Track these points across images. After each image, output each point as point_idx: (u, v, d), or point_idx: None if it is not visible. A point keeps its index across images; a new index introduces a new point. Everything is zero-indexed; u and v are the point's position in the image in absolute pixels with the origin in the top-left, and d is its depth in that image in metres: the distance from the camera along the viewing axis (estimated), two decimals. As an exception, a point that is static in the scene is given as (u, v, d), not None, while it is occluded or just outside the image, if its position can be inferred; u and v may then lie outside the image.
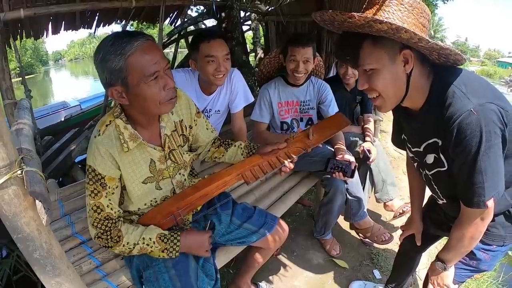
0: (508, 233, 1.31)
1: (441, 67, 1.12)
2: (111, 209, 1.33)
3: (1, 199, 0.77)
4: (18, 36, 3.70)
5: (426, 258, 2.45)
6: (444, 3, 14.04)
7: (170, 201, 1.47)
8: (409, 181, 1.69)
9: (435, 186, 1.37)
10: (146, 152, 1.37)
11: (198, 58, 1.97)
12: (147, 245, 1.33)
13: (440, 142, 1.16)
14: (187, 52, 6.26)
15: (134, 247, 1.33)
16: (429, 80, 1.14)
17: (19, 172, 0.77)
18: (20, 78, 4.42)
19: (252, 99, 2.35)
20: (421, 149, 1.29)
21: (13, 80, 3.03)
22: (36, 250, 0.87)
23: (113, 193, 1.33)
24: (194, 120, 1.57)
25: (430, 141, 1.21)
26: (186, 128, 1.54)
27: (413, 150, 1.37)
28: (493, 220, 1.24)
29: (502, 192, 1.11)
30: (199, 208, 1.61)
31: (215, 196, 1.55)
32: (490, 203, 1.09)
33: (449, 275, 1.39)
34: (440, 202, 1.43)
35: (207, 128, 1.67)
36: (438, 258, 1.39)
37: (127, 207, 1.44)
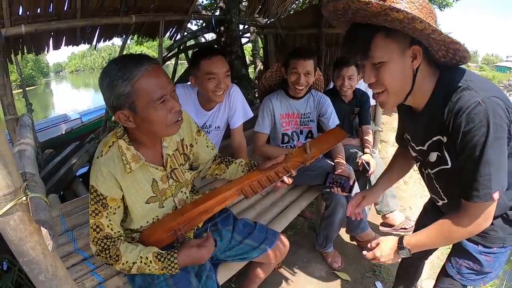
0: (508, 234, 1.31)
1: (445, 67, 1.14)
2: (111, 229, 1.35)
3: (7, 225, 0.78)
4: (19, 52, 3.73)
5: (429, 267, 2.45)
6: (441, 10, 14.18)
7: (171, 216, 1.48)
8: (391, 160, 1.72)
9: (436, 185, 1.37)
10: (148, 172, 1.39)
11: (198, 75, 1.99)
12: (145, 264, 1.33)
13: (445, 139, 1.16)
14: (188, 65, 6.30)
15: (132, 266, 1.34)
16: (434, 79, 1.15)
17: (24, 198, 0.79)
18: (21, 90, 4.47)
19: (251, 114, 2.37)
20: (425, 148, 1.29)
21: (14, 91, 3.06)
22: (42, 273, 0.88)
23: (114, 213, 1.35)
24: (195, 139, 1.60)
25: (435, 138, 1.21)
26: (187, 147, 1.56)
27: (417, 149, 1.37)
28: (491, 223, 1.23)
29: (505, 188, 1.11)
30: (200, 225, 1.62)
31: (215, 212, 1.56)
32: (496, 196, 1.07)
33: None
34: (440, 203, 1.42)
35: (207, 146, 1.69)
36: (403, 246, 1.32)
37: (129, 225, 1.45)
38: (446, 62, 1.14)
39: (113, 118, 5.15)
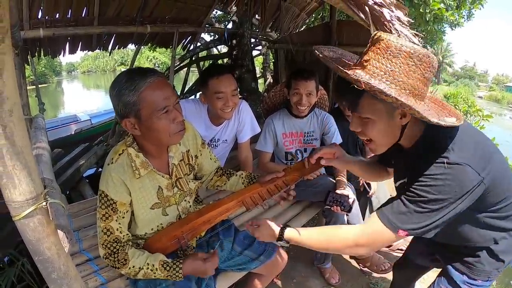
0: (494, 268, 1.30)
1: None
2: (120, 232, 1.41)
3: (27, 227, 0.86)
4: (36, 54, 3.83)
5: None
6: (452, 29, 14.11)
7: (175, 225, 1.55)
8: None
9: None
10: (155, 180, 1.46)
11: (207, 93, 2.06)
12: (151, 270, 1.40)
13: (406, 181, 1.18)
14: (199, 75, 6.35)
15: (139, 271, 1.40)
16: (422, 128, 1.14)
17: (44, 203, 0.86)
18: (33, 86, 4.55)
19: (258, 130, 2.43)
20: (397, 185, 1.31)
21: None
22: (55, 271, 0.95)
23: (123, 217, 1.41)
24: (200, 151, 1.67)
25: (401, 181, 1.24)
26: (192, 158, 1.63)
27: (396, 184, 1.36)
28: (478, 256, 1.27)
29: (412, 234, 1.10)
30: (202, 234, 1.68)
31: (217, 222, 1.62)
32: (401, 233, 1.09)
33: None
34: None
35: (210, 158, 1.76)
36: (283, 238, 1.38)
37: (134, 231, 1.52)
38: None
39: (122, 124, 5.22)
